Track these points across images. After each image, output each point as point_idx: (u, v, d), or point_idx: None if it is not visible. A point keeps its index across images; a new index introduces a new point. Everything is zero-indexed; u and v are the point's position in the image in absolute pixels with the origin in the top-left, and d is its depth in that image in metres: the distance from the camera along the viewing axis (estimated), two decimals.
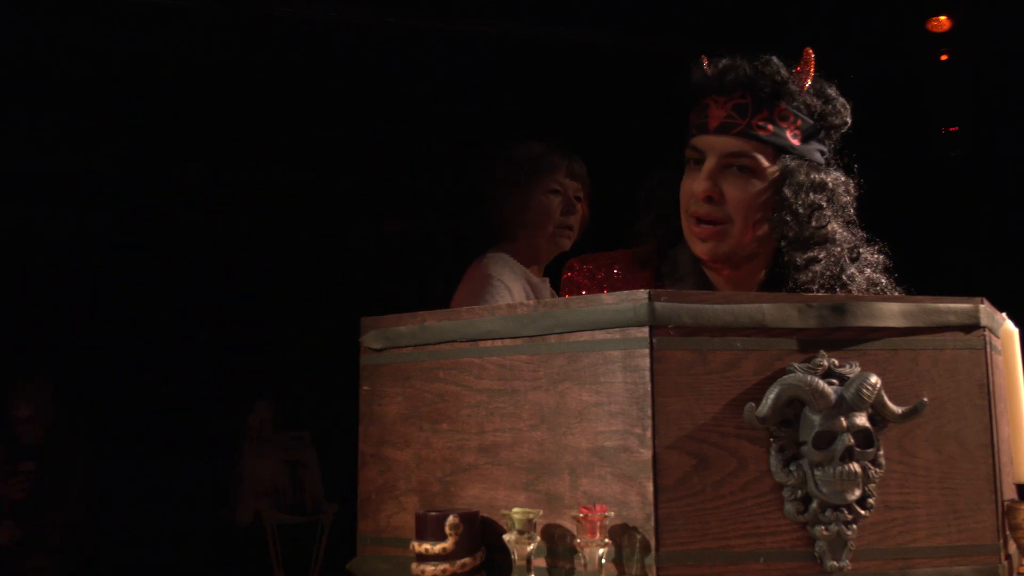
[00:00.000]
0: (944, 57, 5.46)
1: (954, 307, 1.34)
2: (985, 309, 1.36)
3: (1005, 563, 1.34)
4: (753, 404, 1.22)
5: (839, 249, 1.78)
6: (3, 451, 4.76)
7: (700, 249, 1.78)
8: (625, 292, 1.27)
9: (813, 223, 1.76)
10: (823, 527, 1.24)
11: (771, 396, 1.23)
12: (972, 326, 1.35)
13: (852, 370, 1.27)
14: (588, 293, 1.86)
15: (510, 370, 1.35)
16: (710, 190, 1.74)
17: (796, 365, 1.26)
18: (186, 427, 6.00)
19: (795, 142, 1.77)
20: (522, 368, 1.34)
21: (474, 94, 5.48)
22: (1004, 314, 1.49)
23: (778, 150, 1.76)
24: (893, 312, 1.31)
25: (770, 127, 1.74)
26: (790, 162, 1.77)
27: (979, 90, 5.55)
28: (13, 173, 5.68)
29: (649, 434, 1.21)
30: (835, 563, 1.24)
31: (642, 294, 1.24)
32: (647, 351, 1.22)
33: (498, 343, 1.36)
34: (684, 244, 1.83)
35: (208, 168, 6.12)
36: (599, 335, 1.26)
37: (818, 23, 5.24)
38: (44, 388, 4.93)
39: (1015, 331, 1.46)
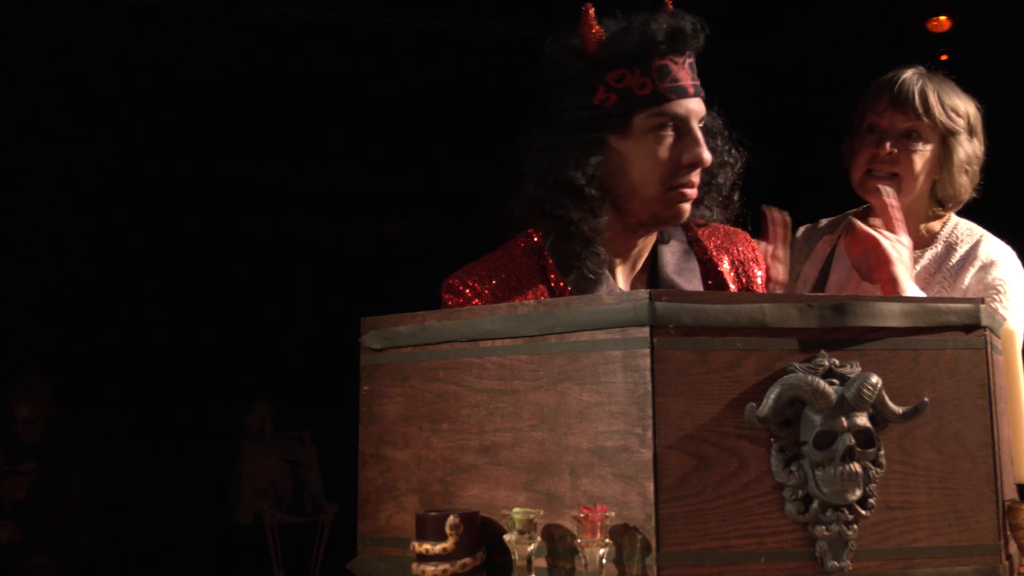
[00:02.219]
0: (944, 57, 5.46)
1: (955, 307, 1.34)
2: (986, 309, 1.36)
3: (1005, 563, 1.34)
4: (754, 404, 1.22)
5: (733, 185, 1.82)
6: (3, 451, 4.76)
7: (681, 212, 1.71)
8: (625, 292, 1.27)
9: (738, 168, 1.79)
10: (824, 527, 1.24)
11: (772, 396, 1.23)
12: (973, 326, 1.34)
13: (853, 370, 1.27)
14: None
15: (510, 370, 1.35)
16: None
17: (797, 365, 1.25)
18: (186, 427, 6.00)
19: None
20: (522, 368, 1.34)
21: (474, 94, 5.47)
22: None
23: None
24: (894, 312, 1.30)
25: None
26: (712, 119, 1.77)
27: (979, 90, 5.54)
28: (13, 173, 5.68)
29: (649, 434, 1.20)
30: (836, 563, 1.24)
31: (643, 294, 1.23)
32: (647, 351, 1.22)
33: (498, 343, 1.36)
34: (563, 225, 1.71)
35: (208, 168, 6.12)
36: (599, 335, 1.26)
37: (818, 23, 5.24)
38: (44, 388, 4.93)
39: (1015, 331, 1.46)
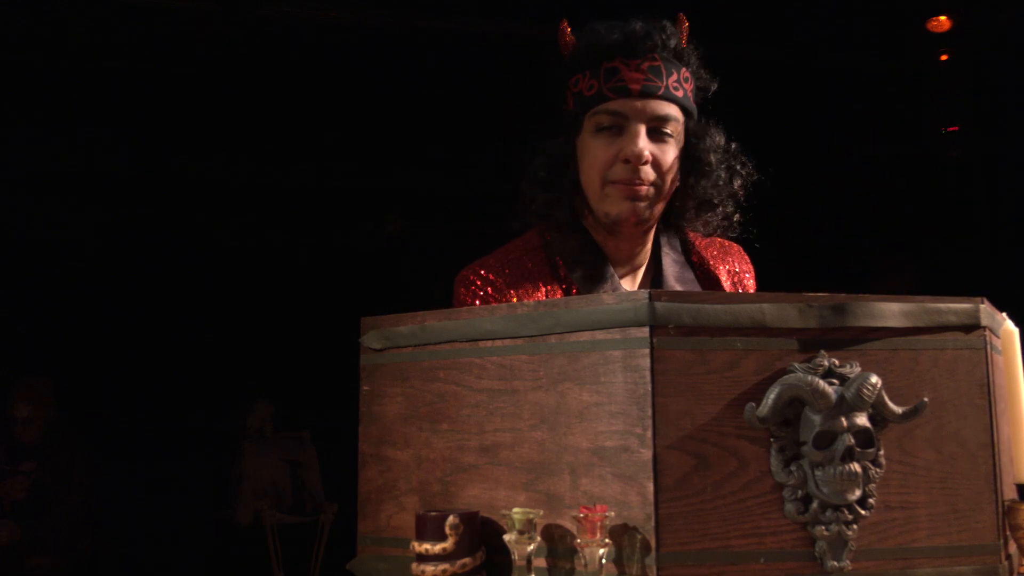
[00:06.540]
0: (944, 57, 5.47)
1: (954, 307, 1.34)
2: (985, 309, 1.36)
3: (1005, 563, 1.34)
4: (753, 404, 1.22)
5: (735, 203, 1.85)
6: (3, 451, 4.76)
7: (629, 209, 1.73)
8: (625, 292, 1.27)
9: (734, 185, 1.81)
10: (823, 527, 1.24)
11: (771, 396, 1.23)
12: (972, 326, 1.34)
13: (852, 370, 1.27)
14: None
15: (510, 370, 1.35)
16: (648, 155, 1.71)
17: (796, 365, 1.25)
18: (186, 427, 6.00)
19: (694, 105, 1.79)
20: (522, 368, 1.34)
21: (474, 94, 5.47)
22: (1004, 314, 1.48)
23: (685, 113, 1.77)
24: (893, 312, 1.30)
25: (679, 90, 1.74)
26: (697, 126, 1.79)
27: (979, 90, 5.55)
28: (13, 173, 5.68)
29: (649, 434, 1.20)
30: (835, 563, 1.24)
31: (642, 294, 1.24)
32: (647, 351, 1.22)
33: (498, 343, 1.36)
34: (567, 218, 1.78)
35: (208, 168, 6.12)
36: (599, 335, 1.26)
37: (818, 23, 5.25)
38: (44, 388, 4.93)
39: (1015, 331, 1.46)
